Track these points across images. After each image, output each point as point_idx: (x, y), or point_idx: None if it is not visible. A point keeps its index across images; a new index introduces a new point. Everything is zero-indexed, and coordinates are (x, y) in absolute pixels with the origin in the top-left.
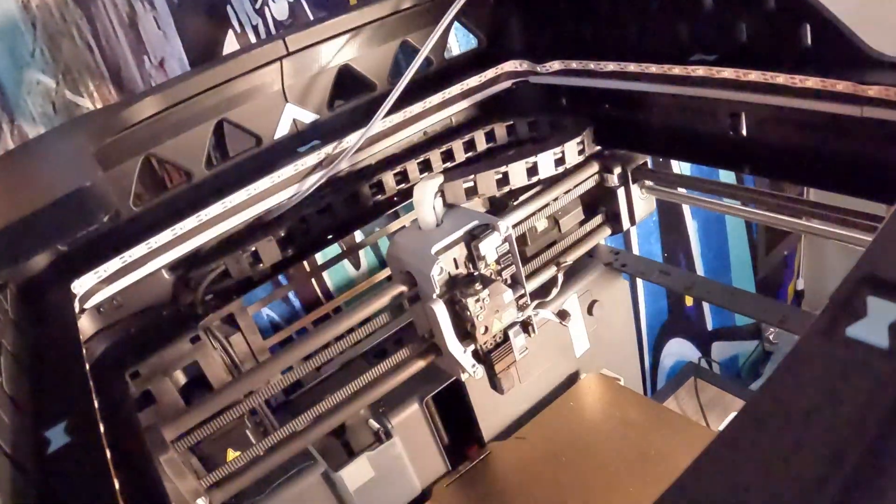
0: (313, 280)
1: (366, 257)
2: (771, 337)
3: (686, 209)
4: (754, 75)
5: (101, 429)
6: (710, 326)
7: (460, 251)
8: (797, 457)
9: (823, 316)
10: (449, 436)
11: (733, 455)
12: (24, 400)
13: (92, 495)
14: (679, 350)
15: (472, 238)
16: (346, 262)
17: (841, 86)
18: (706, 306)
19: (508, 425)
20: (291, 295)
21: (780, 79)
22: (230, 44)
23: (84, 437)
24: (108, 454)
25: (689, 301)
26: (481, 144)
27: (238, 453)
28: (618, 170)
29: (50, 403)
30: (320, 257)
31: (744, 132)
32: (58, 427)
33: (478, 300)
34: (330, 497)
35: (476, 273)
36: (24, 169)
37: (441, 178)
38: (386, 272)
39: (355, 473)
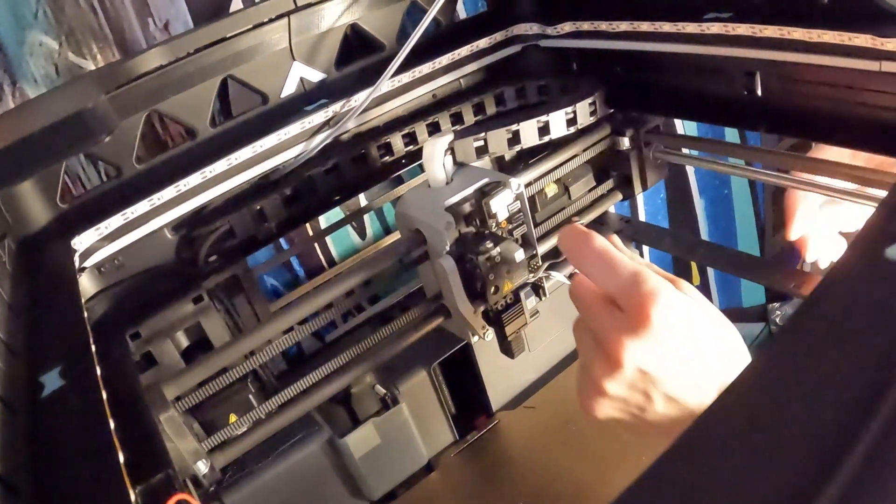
0: (318, 248)
1: (371, 227)
2: (777, 319)
3: (694, 186)
4: (770, 31)
5: (98, 371)
6: (717, 306)
7: (471, 209)
8: (845, 377)
9: (859, 241)
10: (457, 406)
11: (777, 373)
12: (19, 347)
13: (86, 433)
14: None
15: (482, 195)
16: (351, 230)
17: (859, 40)
18: (713, 286)
19: (517, 395)
20: (295, 264)
21: (797, 34)
22: (236, 7)
23: (79, 380)
24: (105, 395)
25: (695, 279)
26: (490, 108)
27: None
28: (630, 132)
29: (45, 350)
30: (324, 223)
31: (759, 92)
32: (52, 372)
33: (488, 258)
34: (335, 464)
35: (487, 231)
36: (25, 113)
37: (451, 136)
38: (391, 240)
39: (361, 440)
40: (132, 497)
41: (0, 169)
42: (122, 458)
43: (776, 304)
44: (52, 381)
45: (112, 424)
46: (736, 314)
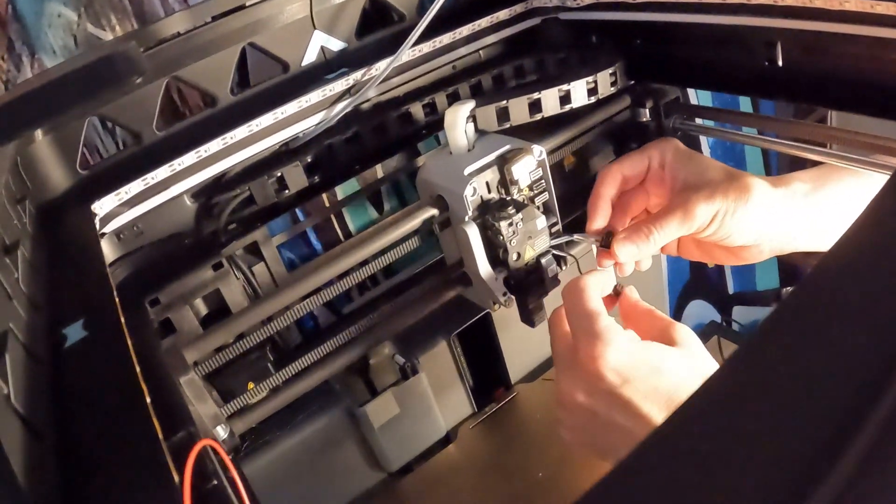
0: (335, 222)
1: (388, 201)
2: None
3: None
4: None
5: (122, 320)
6: (731, 290)
7: (493, 175)
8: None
9: (873, 208)
10: (475, 378)
11: (774, 353)
12: (41, 302)
13: (111, 381)
14: (700, 312)
15: (504, 162)
16: (368, 204)
17: (881, 7)
18: (728, 269)
19: (536, 367)
20: (313, 238)
21: (818, 2)
22: None
23: (104, 331)
24: (130, 342)
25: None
26: (510, 80)
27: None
28: (650, 104)
29: (67, 305)
30: (341, 195)
31: (780, 62)
32: (76, 324)
33: (511, 224)
34: (354, 435)
35: (509, 198)
36: (60, 66)
37: (473, 103)
38: None
39: (380, 409)
40: (162, 440)
41: (35, 108)
42: (149, 400)
43: (790, 288)
44: (75, 332)
45: (139, 370)
46: (751, 297)
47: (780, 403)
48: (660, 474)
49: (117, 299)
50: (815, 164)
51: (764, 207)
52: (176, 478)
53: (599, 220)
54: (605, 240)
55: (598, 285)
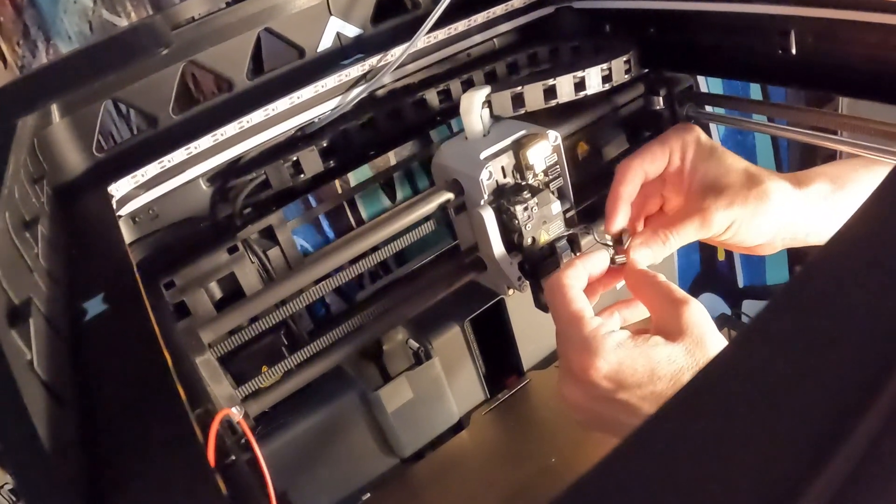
0: (347, 209)
1: (401, 190)
2: None
3: None
4: None
5: (143, 293)
6: (741, 284)
7: (508, 160)
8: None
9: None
10: (488, 365)
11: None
12: (60, 277)
13: (133, 350)
14: (711, 304)
15: (519, 147)
16: (381, 193)
17: None
18: (738, 263)
19: (548, 354)
20: (326, 226)
21: None
22: None
23: (124, 303)
24: (151, 314)
25: (721, 255)
26: (524, 67)
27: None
28: (663, 92)
29: (87, 280)
30: (354, 181)
31: (793, 50)
32: (96, 298)
33: (526, 208)
34: (367, 419)
35: (524, 183)
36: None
37: (488, 88)
38: None
39: (393, 394)
40: (188, 405)
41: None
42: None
43: None
44: (95, 306)
45: (161, 340)
46: (761, 291)
47: (776, 393)
48: (655, 462)
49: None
50: (826, 151)
51: (782, 211)
52: (200, 440)
53: (619, 221)
54: (619, 238)
55: (578, 278)
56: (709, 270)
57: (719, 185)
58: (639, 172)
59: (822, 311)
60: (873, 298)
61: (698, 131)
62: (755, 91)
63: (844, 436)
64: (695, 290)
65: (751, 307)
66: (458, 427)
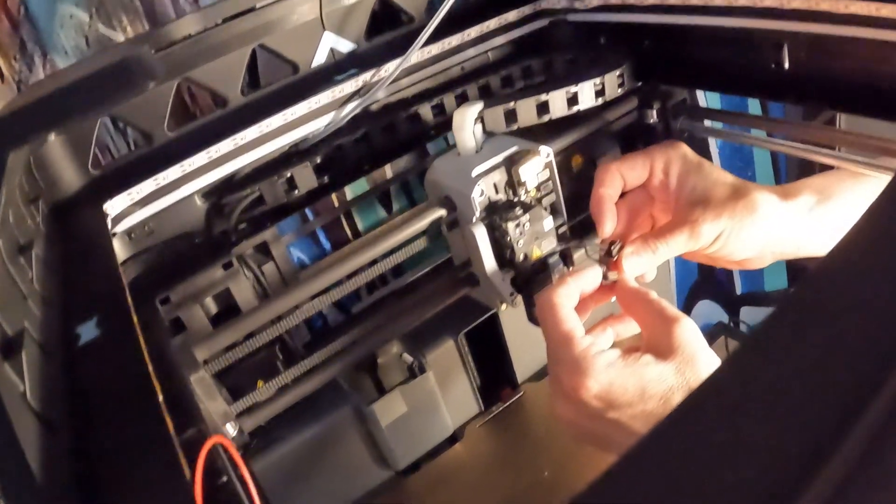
0: (344, 222)
1: (397, 202)
2: None
3: (715, 159)
4: (797, 2)
5: (135, 319)
6: (739, 290)
7: (500, 176)
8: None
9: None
10: (482, 377)
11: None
12: (54, 300)
13: (124, 378)
14: (708, 312)
15: (512, 163)
16: (377, 204)
17: (887, 10)
18: (736, 271)
19: (542, 367)
20: (322, 238)
21: (825, 5)
22: None
23: (117, 329)
24: (142, 340)
25: None
26: (518, 81)
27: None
28: (657, 105)
29: (80, 303)
30: (350, 195)
31: (786, 64)
32: (89, 323)
33: (518, 225)
34: (361, 433)
35: (516, 199)
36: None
37: (481, 104)
38: None
39: (387, 408)
40: (174, 437)
41: (49, 112)
42: (161, 398)
43: None
44: (88, 331)
45: (151, 368)
46: (759, 298)
47: (779, 401)
48: (658, 470)
49: (129, 298)
50: (824, 166)
51: (770, 223)
52: (187, 474)
53: (608, 224)
54: (609, 250)
55: (569, 297)
56: (707, 278)
57: (707, 197)
58: (615, 174)
59: (822, 322)
60: (873, 309)
61: (684, 147)
62: (753, 105)
63: (841, 447)
64: (693, 298)
65: (749, 314)
66: (453, 439)
